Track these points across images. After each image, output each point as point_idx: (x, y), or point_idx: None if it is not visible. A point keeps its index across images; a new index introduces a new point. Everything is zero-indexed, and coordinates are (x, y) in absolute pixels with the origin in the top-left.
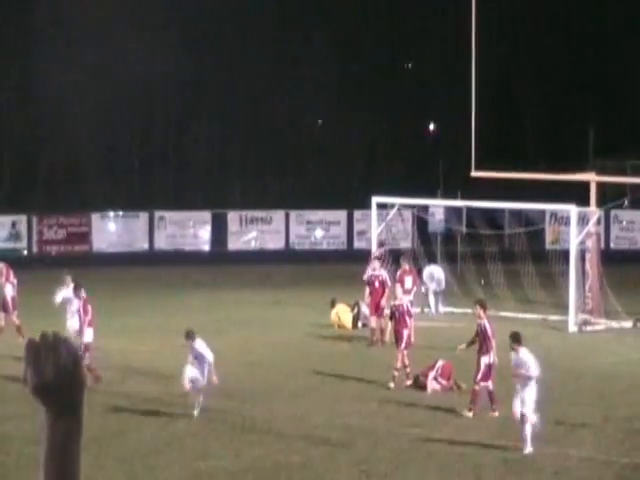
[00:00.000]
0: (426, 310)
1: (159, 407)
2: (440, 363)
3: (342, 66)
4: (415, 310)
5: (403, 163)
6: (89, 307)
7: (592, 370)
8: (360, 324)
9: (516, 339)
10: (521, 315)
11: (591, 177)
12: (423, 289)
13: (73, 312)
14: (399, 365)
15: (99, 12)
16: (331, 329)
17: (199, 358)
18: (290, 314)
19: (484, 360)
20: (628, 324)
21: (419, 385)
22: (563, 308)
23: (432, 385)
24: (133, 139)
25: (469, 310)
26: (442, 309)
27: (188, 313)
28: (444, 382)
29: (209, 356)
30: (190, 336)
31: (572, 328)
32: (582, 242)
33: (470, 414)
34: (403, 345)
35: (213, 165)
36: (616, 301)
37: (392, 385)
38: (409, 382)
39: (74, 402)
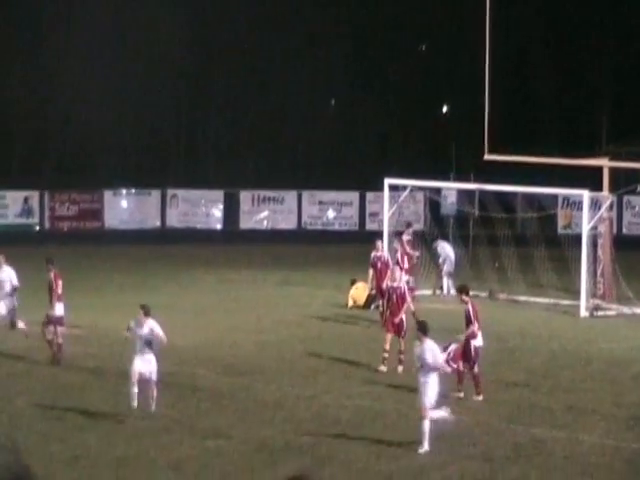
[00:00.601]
0: (437, 292)
1: (169, 385)
2: (453, 346)
3: (356, 47)
4: (426, 292)
5: (416, 145)
6: (60, 282)
7: (603, 355)
8: (373, 306)
9: (422, 329)
10: (533, 299)
11: (604, 162)
12: (441, 262)
13: (5, 294)
14: (404, 348)
15: None
16: (343, 310)
17: (148, 341)
18: (301, 294)
19: (474, 343)
20: (639, 310)
21: None
22: (575, 293)
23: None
24: (146, 116)
25: (481, 293)
26: (453, 291)
27: (199, 291)
28: (455, 365)
29: (164, 337)
30: (148, 312)
31: (583, 313)
32: (594, 227)
33: (480, 397)
34: (404, 332)
35: (226, 144)
36: (628, 286)
37: (400, 369)
38: (384, 368)
39: None
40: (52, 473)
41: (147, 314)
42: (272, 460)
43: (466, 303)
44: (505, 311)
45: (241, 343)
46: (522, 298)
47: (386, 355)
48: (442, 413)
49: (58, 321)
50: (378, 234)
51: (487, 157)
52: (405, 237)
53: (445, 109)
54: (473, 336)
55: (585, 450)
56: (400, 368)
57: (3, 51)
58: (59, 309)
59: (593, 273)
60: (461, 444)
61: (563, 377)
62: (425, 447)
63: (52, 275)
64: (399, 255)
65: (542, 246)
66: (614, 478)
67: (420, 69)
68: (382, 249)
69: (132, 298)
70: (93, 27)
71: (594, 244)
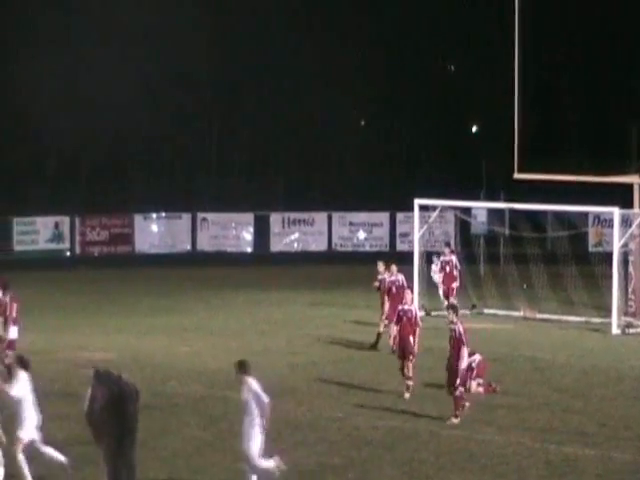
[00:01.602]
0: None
1: (201, 407)
2: (477, 359)
3: (385, 67)
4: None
5: (446, 165)
6: (14, 305)
7: (635, 373)
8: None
9: (242, 368)
10: (564, 317)
11: (635, 180)
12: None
13: None
14: (411, 374)
15: (136, 10)
16: (373, 330)
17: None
18: (332, 315)
19: (461, 365)
20: None
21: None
22: (606, 310)
23: (474, 387)
24: (175, 140)
25: (513, 312)
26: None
27: (230, 313)
28: (482, 380)
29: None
30: (22, 365)
31: (615, 331)
32: (625, 244)
33: (456, 420)
34: (412, 356)
35: (255, 167)
36: None
37: (407, 395)
38: (407, 395)
39: (114, 446)
40: None
41: (17, 370)
42: None
43: (455, 323)
44: (536, 329)
45: (272, 365)
46: (553, 316)
47: (411, 383)
48: (270, 464)
49: (10, 345)
50: (409, 254)
51: (517, 176)
52: (442, 258)
53: (475, 129)
54: (461, 357)
55: (618, 468)
56: (407, 395)
57: (35, 76)
58: (13, 333)
59: (624, 290)
60: (493, 463)
61: (595, 395)
62: None
63: (7, 299)
64: (401, 279)
65: (573, 264)
66: None
67: (449, 89)
68: (396, 272)
69: (163, 321)
70: (124, 54)
71: (625, 261)
